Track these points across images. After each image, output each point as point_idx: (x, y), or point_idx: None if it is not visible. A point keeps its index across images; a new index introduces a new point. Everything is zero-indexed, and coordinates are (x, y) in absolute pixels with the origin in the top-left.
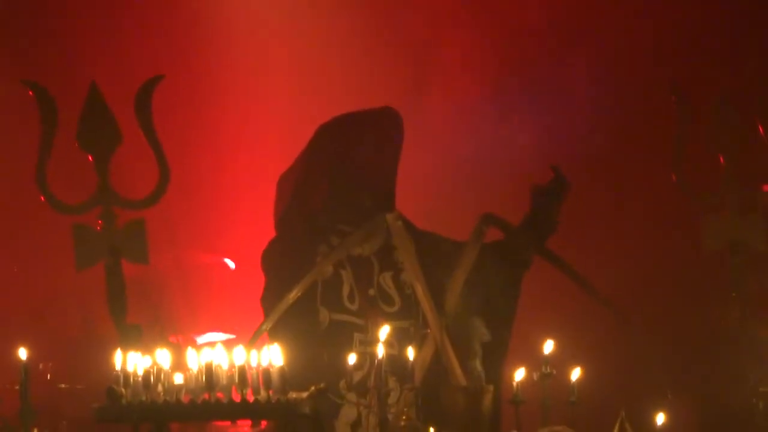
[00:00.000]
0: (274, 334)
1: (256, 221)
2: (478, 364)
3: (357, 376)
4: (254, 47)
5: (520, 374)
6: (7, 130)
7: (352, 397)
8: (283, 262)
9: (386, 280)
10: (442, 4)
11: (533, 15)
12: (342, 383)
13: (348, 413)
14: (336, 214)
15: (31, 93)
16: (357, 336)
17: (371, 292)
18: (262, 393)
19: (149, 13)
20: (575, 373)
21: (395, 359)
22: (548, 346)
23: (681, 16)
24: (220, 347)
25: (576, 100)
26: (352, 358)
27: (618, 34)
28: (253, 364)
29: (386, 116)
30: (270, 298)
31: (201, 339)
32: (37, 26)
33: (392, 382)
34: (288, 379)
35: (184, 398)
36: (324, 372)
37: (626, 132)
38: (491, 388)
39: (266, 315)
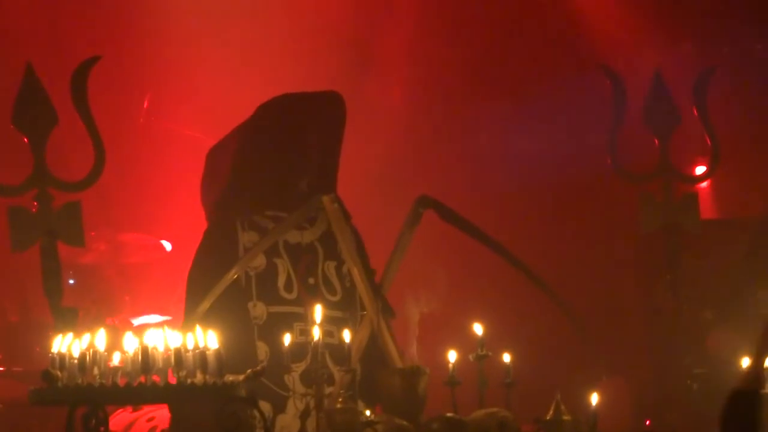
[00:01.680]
0: (213, 317)
1: (192, 202)
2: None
3: (300, 368)
4: (193, 23)
5: (453, 356)
6: None
7: (297, 388)
8: (210, 244)
9: (329, 269)
10: None
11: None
12: (286, 377)
13: (295, 406)
14: (272, 198)
15: None
16: (297, 326)
17: (311, 280)
18: (198, 376)
19: None
20: (507, 355)
21: (335, 348)
22: (478, 328)
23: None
24: (156, 330)
25: (515, 83)
26: (287, 339)
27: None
28: (190, 346)
29: (330, 100)
30: (197, 279)
31: (137, 321)
32: None
33: (335, 372)
34: (225, 362)
35: (121, 381)
36: (268, 366)
37: (562, 115)
38: (427, 370)
39: (190, 295)
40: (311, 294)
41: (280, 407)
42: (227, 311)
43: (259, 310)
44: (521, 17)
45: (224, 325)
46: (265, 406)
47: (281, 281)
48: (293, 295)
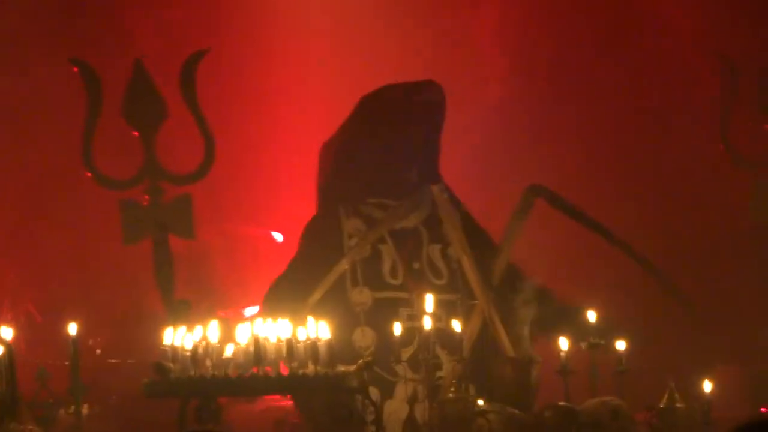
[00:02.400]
0: (324, 307)
1: (303, 193)
2: (526, 332)
3: (408, 352)
4: (297, 19)
5: (564, 344)
6: (54, 108)
7: (406, 373)
8: (313, 232)
9: (434, 252)
10: None
11: None
12: (394, 360)
13: (403, 390)
14: (378, 186)
15: (76, 70)
16: (403, 311)
17: (416, 265)
18: (310, 367)
19: None
20: (621, 343)
21: (443, 332)
22: (591, 316)
23: None
24: (268, 321)
25: (623, 73)
26: (397, 328)
27: (663, 6)
28: (301, 338)
29: (430, 90)
30: (299, 267)
31: (249, 312)
32: (82, 4)
33: (442, 356)
34: (336, 352)
35: (233, 373)
36: (374, 351)
37: (675, 103)
38: (539, 358)
39: (290, 282)
40: (416, 279)
41: (388, 392)
42: (331, 298)
43: (365, 295)
44: (625, 7)
45: (329, 312)
46: (373, 392)
47: (386, 267)
48: (398, 280)
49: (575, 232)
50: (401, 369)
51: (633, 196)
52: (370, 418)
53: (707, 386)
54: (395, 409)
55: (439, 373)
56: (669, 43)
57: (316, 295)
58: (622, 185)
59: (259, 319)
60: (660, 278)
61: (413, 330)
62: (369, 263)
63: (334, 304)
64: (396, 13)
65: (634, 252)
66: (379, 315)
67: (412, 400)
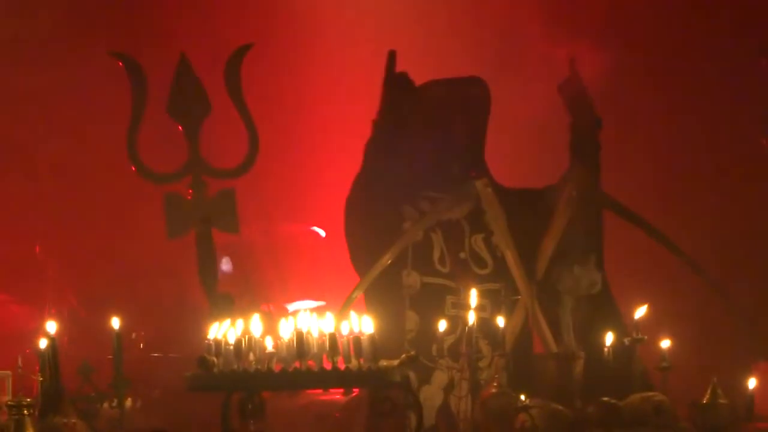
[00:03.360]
0: (369, 298)
1: (345, 189)
2: (566, 338)
3: (449, 341)
4: (341, 14)
5: (609, 339)
6: (99, 102)
7: (444, 361)
8: (365, 224)
9: (478, 242)
10: None
11: None
12: (434, 348)
13: (441, 377)
14: (424, 179)
15: (121, 65)
16: (449, 299)
17: (462, 255)
18: (353, 361)
19: None
20: (665, 340)
21: (486, 322)
22: (640, 311)
23: None
24: (311, 315)
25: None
26: (442, 324)
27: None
28: (344, 332)
29: (474, 86)
30: (360, 260)
31: (292, 307)
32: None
33: (484, 346)
34: (379, 346)
35: (276, 367)
36: (416, 336)
37: (717, 97)
38: (582, 353)
39: (360, 276)
40: (463, 268)
41: (425, 378)
42: (390, 279)
43: (413, 279)
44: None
45: (386, 293)
46: (411, 376)
47: (436, 254)
48: (447, 269)
49: (619, 225)
50: (440, 356)
51: (680, 195)
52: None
53: (751, 383)
54: (431, 395)
55: (480, 364)
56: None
57: (362, 288)
58: (670, 183)
59: (304, 313)
60: (705, 276)
61: (457, 319)
62: (420, 249)
63: (385, 286)
64: (439, 11)
65: (680, 250)
66: (427, 300)
67: (449, 388)
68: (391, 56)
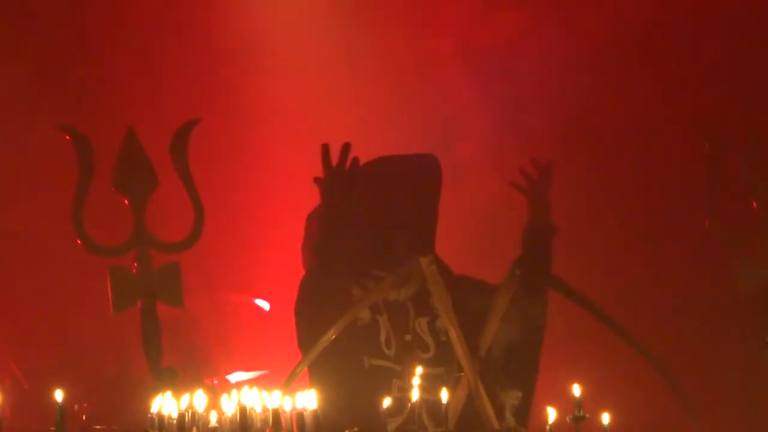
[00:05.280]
0: (314, 375)
1: (289, 261)
2: (508, 415)
3: (396, 422)
4: (286, 87)
5: (552, 415)
6: (45, 174)
7: None
8: (315, 302)
9: (422, 325)
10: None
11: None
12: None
13: None
14: (370, 257)
15: (68, 138)
16: (395, 382)
17: (407, 337)
18: None
19: (183, 57)
20: (606, 417)
21: (430, 405)
22: (576, 390)
23: (712, 58)
24: (254, 390)
25: (609, 144)
26: (386, 402)
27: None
28: (287, 407)
29: (426, 163)
30: (305, 339)
31: (234, 378)
32: (73, 72)
33: (429, 425)
34: (322, 423)
35: None
36: (362, 415)
37: (659, 177)
38: (524, 431)
39: (303, 356)
40: (408, 351)
41: None
42: (338, 356)
43: (362, 360)
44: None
45: (333, 371)
46: None
47: (382, 336)
48: (392, 352)
49: (560, 304)
50: None
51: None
52: None
53: None
54: None
55: None
56: (655, 123)
57: (303, 366)
58: (608, 262)
59: (245, 388)
60: (652, 361)
61: (403, 401)
62: (368, 331)
63: (331, 361)
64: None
65: (623, 331)
66: (373, 382)
67: None
68: (325, 150)
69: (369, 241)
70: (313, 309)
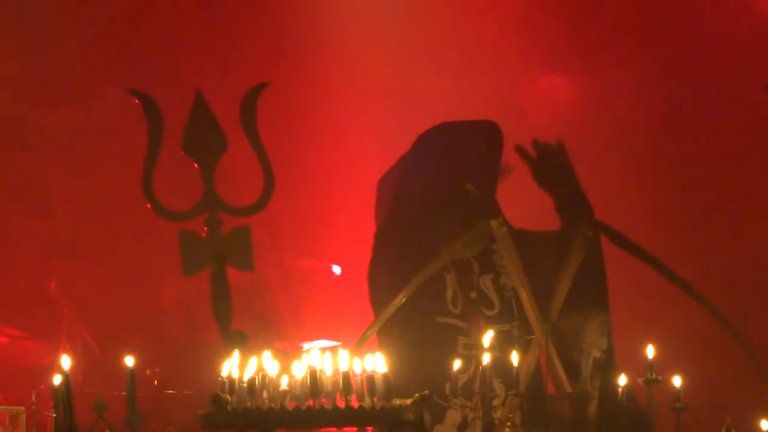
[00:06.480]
0: (382, 337)
1: (360, 226)
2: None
3: (462, 380)
4: (355, 52)
5: (623, 380)
6: (115, 139)
7: (458, 400)
8: (390, 267)
9: (486, 282)
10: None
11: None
12: (447, 387)
13: (453, 416)
14: (436, 221)
15: (137, 102)
16: (461, 339)
17: (473, 294)
18: (367, 399)
19: (253, 21)
20: (678, 379)
21: (498, 362)
22: (650, 351)
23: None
24: (325, 354)
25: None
26: (456, 364)
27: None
28: (358, 370)
29: (487, 129)
30: (379, 301)
31: (307, 346)
32: (143, 36)
33: (497, 385)
34: (393, 385)
35: (290, 405)
36: (429, 375)
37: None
38: (596, 394)
39: (374, 319)
40: (474, 308)
41: (438, 417)
42: (405, 317)
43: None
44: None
45: (400, 332)
46: (425, 416)
47: (449, 294)
48: (458, 309)
49: (632, 266)
50: (453, 395)
51: (696, 238)
52: None
53: (764, 424)
54: None
55: (494, 403)
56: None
57: (373, 329)
58: (688, 227)
59: (316, 351)
60: (719, 317)
61: (470, 358)
62: (435, 288)
63: (400, 325)
64: (453, 50)
65: (693, 290)
66: (440, 340)
67: (462, 427)
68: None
69: (433, 205)
70: (392, 265)
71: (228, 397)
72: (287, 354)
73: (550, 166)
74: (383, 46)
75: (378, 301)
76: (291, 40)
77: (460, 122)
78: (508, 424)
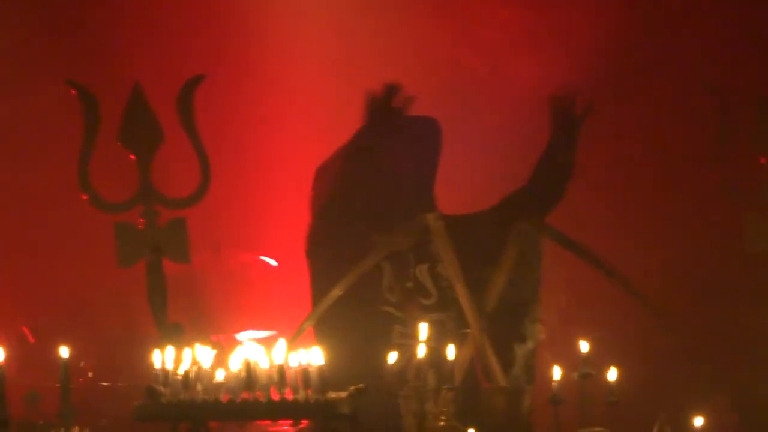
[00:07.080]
0: (318, 328)
1: (297, 218)
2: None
3: (398, 369)
4: (294, 44)
5: (557, 373)
6: (51, 130)
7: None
8: (327, 258)
9: (422, 272)
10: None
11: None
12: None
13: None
14: (374, 214)
15: (74, 92)
16: (397, 328)
17: (409, 284)
18: (301, 393)
19: (189, 12)
20: (613, 373)
21: (432, 352)
22: (584, 346)
23: (723, 21)
24: (260, 346)
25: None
26: (392, 357)
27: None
28: (293, 363)
29: (426, 125)
30: (317, 294)
31: (241, 336)
32: (81, 27)
33: (431, 377)
34: (328, 377)
35: (224, 397)
36: (366, 363)
37: (672, 131)
38: (530, 388)
39: (310, 313)
40: (409, 298)
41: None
42: (342, 308)
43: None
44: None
45: (338, 323)
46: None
47: (386, 283)
48: (395, 298)
49: (567, 260)
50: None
51: (630, 230)
52: None
53: (698, 421)
54: None
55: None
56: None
57: (309, 322)
58: (619, 217)
59: (251, 344)
60: (655, 311)
61: (405, 347)
62: (371, 277)
63: (336, 317)
64: (394, 37)
65: (630, 285)
66: (375, 328)
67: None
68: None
69: (372, 198)
70: (329, 258)
71: (162, 389)
72: (223, 347)
73: (571, 137)
74: (321, 38)
75: (316, 294)
76: (230, 32)
77: (401, 117)
78: (442, 417)
